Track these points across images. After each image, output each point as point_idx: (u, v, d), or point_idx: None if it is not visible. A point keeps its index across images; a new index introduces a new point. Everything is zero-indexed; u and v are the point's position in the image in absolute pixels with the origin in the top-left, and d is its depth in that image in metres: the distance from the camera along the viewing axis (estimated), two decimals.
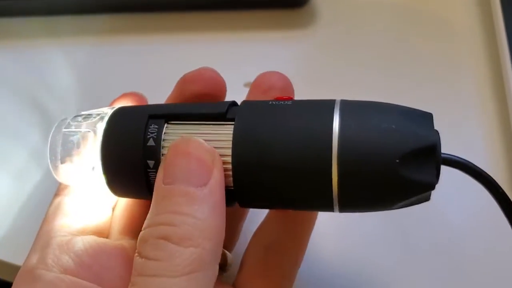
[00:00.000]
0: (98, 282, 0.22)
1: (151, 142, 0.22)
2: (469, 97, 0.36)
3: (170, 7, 0.40)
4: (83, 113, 0.24)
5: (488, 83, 0.36)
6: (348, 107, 0.21)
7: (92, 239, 0.23)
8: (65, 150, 0.23)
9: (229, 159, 0.21)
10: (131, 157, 0.22)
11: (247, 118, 0.21)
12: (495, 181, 0.21)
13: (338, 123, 0.20)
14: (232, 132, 0.21)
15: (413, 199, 0.21)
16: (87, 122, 0.23)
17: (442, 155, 0.21)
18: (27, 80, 0.38)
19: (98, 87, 0.38)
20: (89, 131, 0.23)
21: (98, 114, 0.23)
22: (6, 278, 0.32)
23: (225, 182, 0.21)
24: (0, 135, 0.36)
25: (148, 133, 0.22)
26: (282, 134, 0.21)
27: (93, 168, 0.23)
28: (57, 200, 0.25)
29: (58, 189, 0.25)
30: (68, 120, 0.24)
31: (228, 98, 0.35)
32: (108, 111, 0.23)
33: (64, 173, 0.23)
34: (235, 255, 0.27)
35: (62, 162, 0.23)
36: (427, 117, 0.21)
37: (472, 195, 0.31)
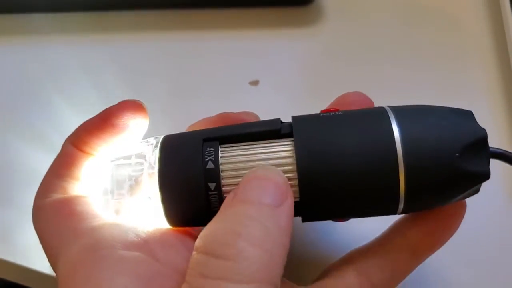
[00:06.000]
0: (162, 261, 0.21)
1: (210, 165, 0.22)
2: (477, 89, 0.36)
3: (175, 4, 0.40)
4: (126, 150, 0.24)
5: (496, 74, 0.36)
6: (401, 112, 0.22)
7: None
8: (119, 184, 0.23)
9: (293, 174, 0.21)
10: (192, 181, 0.22)
11: (306, 132, 0.22)
12: None
13: (397, 128, 0.21)
14: (292, 146, 0.22)
15: (468, 191, 0.22)
16: (136, 153, 0.23)
17: (490, 149, 0.22)
18: None
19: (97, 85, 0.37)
20: (141, 163, 0.23)
21: (146, 144, 0.23)
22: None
23: None
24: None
25: (206, 156, 0.22)
26: (345, 144, 0.21)
27: (149, 198, 0.22)
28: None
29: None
30: (116, 158, 0.24)
31: (234, 96, 0.35)
32: (153, 141, 0.23)
33: (117, 207, 0.23)
34: None
35: (115, 197, 0.23)
36: (469, 114, 0.22)
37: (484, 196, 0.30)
